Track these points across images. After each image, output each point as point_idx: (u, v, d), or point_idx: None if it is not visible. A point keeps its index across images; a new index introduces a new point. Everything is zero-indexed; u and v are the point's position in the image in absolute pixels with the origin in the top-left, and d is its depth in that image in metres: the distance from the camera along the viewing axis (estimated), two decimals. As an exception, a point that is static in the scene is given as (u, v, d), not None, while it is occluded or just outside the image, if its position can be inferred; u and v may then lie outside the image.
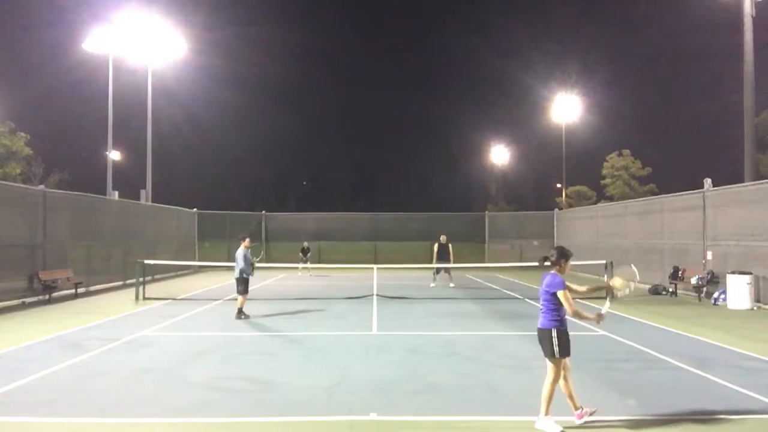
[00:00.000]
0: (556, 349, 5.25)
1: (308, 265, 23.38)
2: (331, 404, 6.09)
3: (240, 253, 12.15)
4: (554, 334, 5.26)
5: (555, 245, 5.43)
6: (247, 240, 12.53)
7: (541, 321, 5.39)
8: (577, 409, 5.44)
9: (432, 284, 19.51)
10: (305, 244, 25.15)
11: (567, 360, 5.40)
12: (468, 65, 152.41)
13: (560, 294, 5.23)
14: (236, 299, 12.32)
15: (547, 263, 5.47)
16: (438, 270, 19.86)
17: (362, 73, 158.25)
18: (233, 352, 8.84)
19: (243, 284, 12.11)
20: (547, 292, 5.32)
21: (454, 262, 19.70)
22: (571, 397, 5.44)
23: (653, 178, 45.37)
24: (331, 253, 29.47)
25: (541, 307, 5.42)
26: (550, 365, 5.36)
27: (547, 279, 5.36)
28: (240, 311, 12.00)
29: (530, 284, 20.71)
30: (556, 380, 5.34)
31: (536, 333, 5.48)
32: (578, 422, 5.39)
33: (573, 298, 5.27)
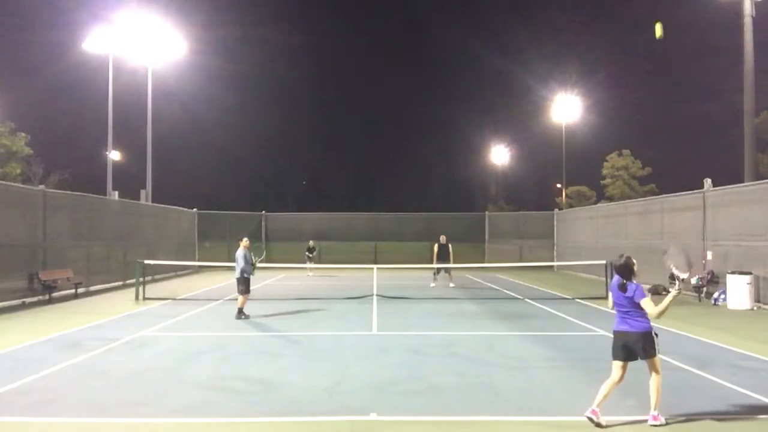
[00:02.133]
0: (657, 347, 5.47)
1: (310, 264, 23.34)
2: (331, 404, 6.09)
3: (240, 253, 12.23)
4: (653, 334, 5.46)
5: (623, 256, 5.78)
6: (246, 240, 12.63)
7: (631, 325, 5.47)
8: (597, 407, 5.46)
9: (432, 284, 19.49)
10: (311, 243, 25.03)
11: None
12: (468, 65, 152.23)
13: (644, 302, 5.39)
14: (237, 299, 12.34)
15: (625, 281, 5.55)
16: (438, 270, 19.84)
17: (362, 73, 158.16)
18: (233, 352, 8.84)
19: (244, 284, 12.14)
20: (633, 300, 5.43)
21: (453, 262, 19.69)
22: (606, 396, 5.52)
23: (653, 178, 45.35)
24: (331, 253, 29.45)
25: (621, 311, 5.54)
26: (651, 364, 5.51)
27: (631, 288, 5.45)
28: (240, 311, 12.03)
29: (530, 284, 20.72)
30: (660, 374, 5.55)
31: (617, 336, 5.56)
32: (588, 414, 5.43)
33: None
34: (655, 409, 5.46)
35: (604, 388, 5.54)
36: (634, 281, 5.55)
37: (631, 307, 5.46)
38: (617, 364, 5.59)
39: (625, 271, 5.58)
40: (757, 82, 19.86)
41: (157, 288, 18.72)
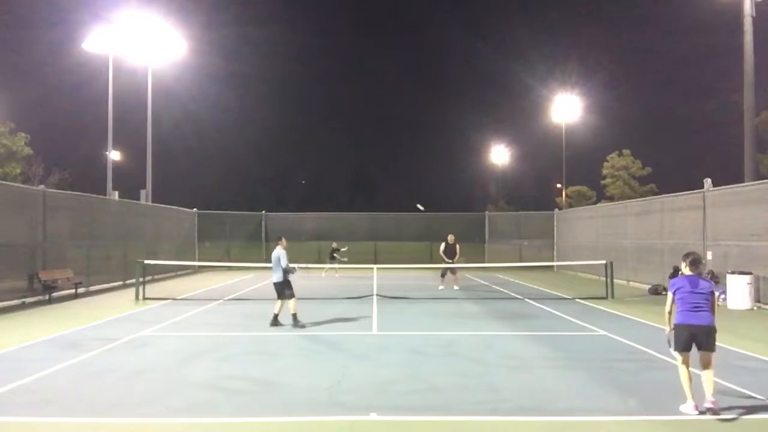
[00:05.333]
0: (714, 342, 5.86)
1: (332, 265, 23.18)
2: (331, 404, 6.09)
3: (281, 253, 11.06)
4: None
5: (688, 252, 6.23)
6: (284, 240, 11.46)
7: (707, 318, 5.80)
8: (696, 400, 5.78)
9: (441, 287, 18.74)
10: (334, 244, 24.59)
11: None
12: (468, 65, 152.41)
13: (716, 295, 5.98)
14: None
15: (689, 270, 6.01)
16: (444, 272, 19.14)
17: (362, 73, 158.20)
18: (233, 352, 8.84)
19: (289, 287, 10.98)
20: (710, 293, 5.88)
21: (455, 262, 19.21)
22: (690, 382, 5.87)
23: (653, 178, 45.36)
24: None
25: (698, 305, 5.81)
26: (711, 357, 5.81)
27: (703, 282, 5.95)
28: (295, 318, 10.87)
29: (530, 284, 20.70)
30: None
31: (696, 328, 5.78)
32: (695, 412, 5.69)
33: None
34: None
35: (689, 379, 5.85)
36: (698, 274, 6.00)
37: (703, 300, 5.84)
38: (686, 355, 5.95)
39: (700, 265, 6.05)
40: (757, 82, 19.88)
41: (157, 288, 18.72)
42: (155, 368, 7.72)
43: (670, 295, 6.01)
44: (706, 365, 5.80)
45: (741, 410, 5.80)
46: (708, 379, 5.77)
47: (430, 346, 9.23)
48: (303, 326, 10.79)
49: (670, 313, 6.02)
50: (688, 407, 5.72)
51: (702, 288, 5.85)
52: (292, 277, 11.12)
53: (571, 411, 5.86)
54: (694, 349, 5.86)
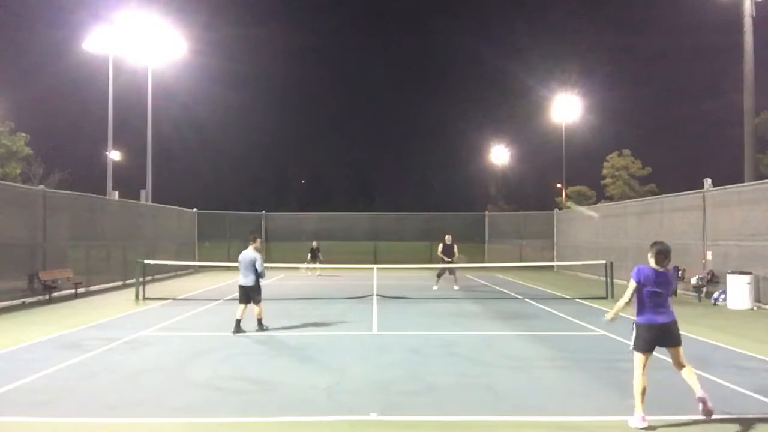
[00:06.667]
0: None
1: (313, 265, 23.21)
2: (331, 404, 6.09)
3: (255, 256, 10.38)
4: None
5: (656, 242, 5.77)
6: (259, 241, 10.84)
7: (671, 314, 5.59)
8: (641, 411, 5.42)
9: (435, 287, 18.54)
10: (314, 243, 24.77)
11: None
12: (468, 65, 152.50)
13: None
14: (238, 300, 11.28)
15: (654, 263, 5.63)
16: (441, 272, 19.00)
17: (362, 72, 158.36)
18: (233, 352, 8.84)
19: (260, 293, 10.54)
20: (670, 286, 5.62)
21: (454, 262, 19.04)
22: (644, 393, 5.49)
23: (653, 178, 45.39)
24: (331, 253, 29.47)
25: (656, 301, 5.55)
26: (681, 352, 5.59)
27: (668, 278, 5.62)
28: (260, 323, 10.56)
29: (530, 284, 20.70)
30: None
31: (663, 327, 5.53)
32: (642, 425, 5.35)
33: None
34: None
35: (644, 384, 5.51)
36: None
37: (666, 295, 5.61)
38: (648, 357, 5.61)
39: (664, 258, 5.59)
40: (757, 82, 19.90)
41: (157, 288, 18.72)
42: (155, 368, 7.72)
43: (633, 283, 5.55)
44: (680, 363, 5.61)
45: (741, 410, 5.80)
46: (689, 373, 5.58)
47: (430, 346, 9.23)
48: (266, 329, 10.50)
49: (628, 303, 5.71)
50: (636, 420, 5.36)
51: (667, 290, 5.62)
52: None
53: (571, 411, 5.86)
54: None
